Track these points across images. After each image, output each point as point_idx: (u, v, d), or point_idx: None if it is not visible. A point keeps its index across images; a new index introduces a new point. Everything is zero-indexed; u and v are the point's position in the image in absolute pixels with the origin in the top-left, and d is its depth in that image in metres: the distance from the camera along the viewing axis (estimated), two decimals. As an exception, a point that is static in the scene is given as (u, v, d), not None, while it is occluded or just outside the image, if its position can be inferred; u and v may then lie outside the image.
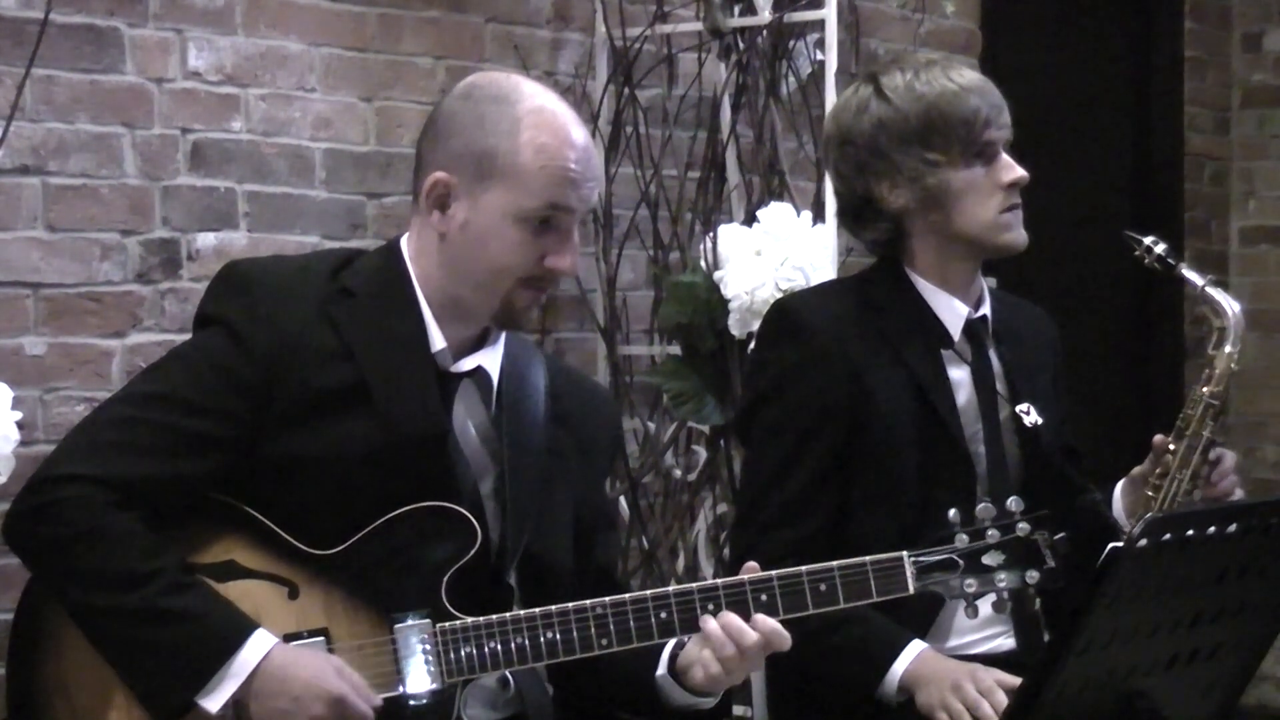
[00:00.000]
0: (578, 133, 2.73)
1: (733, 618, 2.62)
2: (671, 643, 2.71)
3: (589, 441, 2.91)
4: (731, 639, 2.61)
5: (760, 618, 2.62)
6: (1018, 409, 3.18)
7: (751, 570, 2.66)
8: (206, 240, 3.71)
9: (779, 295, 3.76)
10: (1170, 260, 3.17)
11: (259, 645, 2.56)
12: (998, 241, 3.14)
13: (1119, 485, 3.25)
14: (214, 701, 2.55)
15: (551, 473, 2.80)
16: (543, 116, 2.71)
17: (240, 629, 2.57)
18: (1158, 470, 3.14)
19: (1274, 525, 2.55)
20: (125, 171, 3.60)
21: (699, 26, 4.26)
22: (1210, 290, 3.17)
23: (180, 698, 2.56)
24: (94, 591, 2.57)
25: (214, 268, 3.00)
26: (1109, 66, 6.11)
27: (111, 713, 2.60)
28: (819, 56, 4.15)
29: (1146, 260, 3.18)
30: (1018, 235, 3.16)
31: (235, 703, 2.56)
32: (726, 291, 3.94)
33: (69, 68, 3.52)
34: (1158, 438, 3.14)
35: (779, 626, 2.62)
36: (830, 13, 4.05)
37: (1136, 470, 3.19)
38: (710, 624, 2.62)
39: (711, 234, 4.04)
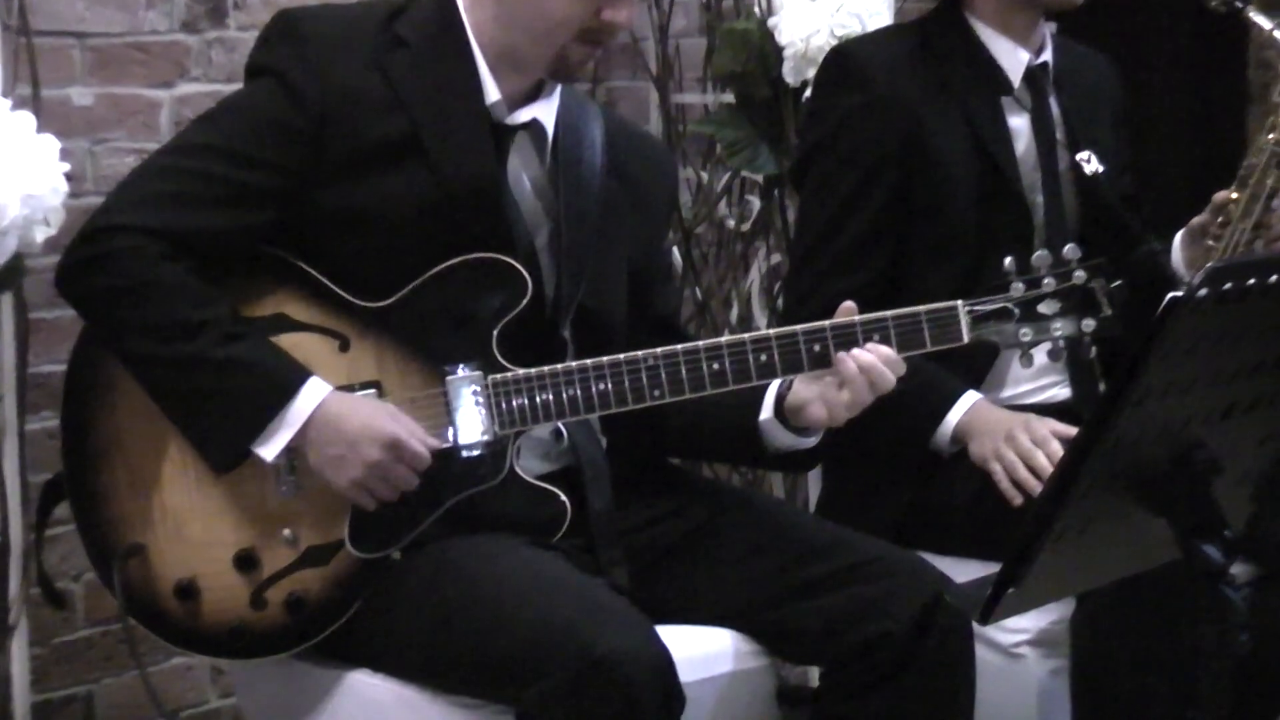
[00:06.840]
0: None
1: (863, 353, 2.59)
2: (776, 384, 2.69)
3: (646, 196, 2.87)
4: (866, 373, 2.59)
5: (875, 346, 2.60)
6: (1077, 157, 3.15)
7: (848, 311, 2.62)
8: (253, -12, 3.66)
9: (834, 42, 3.71)
10: (1239, 2, 3.10)
11: (314, 393, 2.56)
12: None
13: (1178, 236, 3.21)
14: (270, 449, 2.56)
15: (607, 227, 2.77)
16: None
17: (294, 377, 2.57)
18: (1219, 220, 3.10)
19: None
20: (170, -82, 3.54)
21: None
22: (1279, 34, 3.11)
23: (236, 446, 2.57)
24: (148, 341, 2.57)
25: (261, 17, 2.96)
26: None
27: (165, 465, 2.62)
28: None
29: (1213, 3, 3.11)
30: None
31: (290, 451, 2.57)
32: (781, 38, 3.88)
33: None
34: (1219, 194, 3.10)
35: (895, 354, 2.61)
36: None
37: (1195, 221, 3.15)
38: (848, 363, 2.58)
39: (766, -21, 3.97)
